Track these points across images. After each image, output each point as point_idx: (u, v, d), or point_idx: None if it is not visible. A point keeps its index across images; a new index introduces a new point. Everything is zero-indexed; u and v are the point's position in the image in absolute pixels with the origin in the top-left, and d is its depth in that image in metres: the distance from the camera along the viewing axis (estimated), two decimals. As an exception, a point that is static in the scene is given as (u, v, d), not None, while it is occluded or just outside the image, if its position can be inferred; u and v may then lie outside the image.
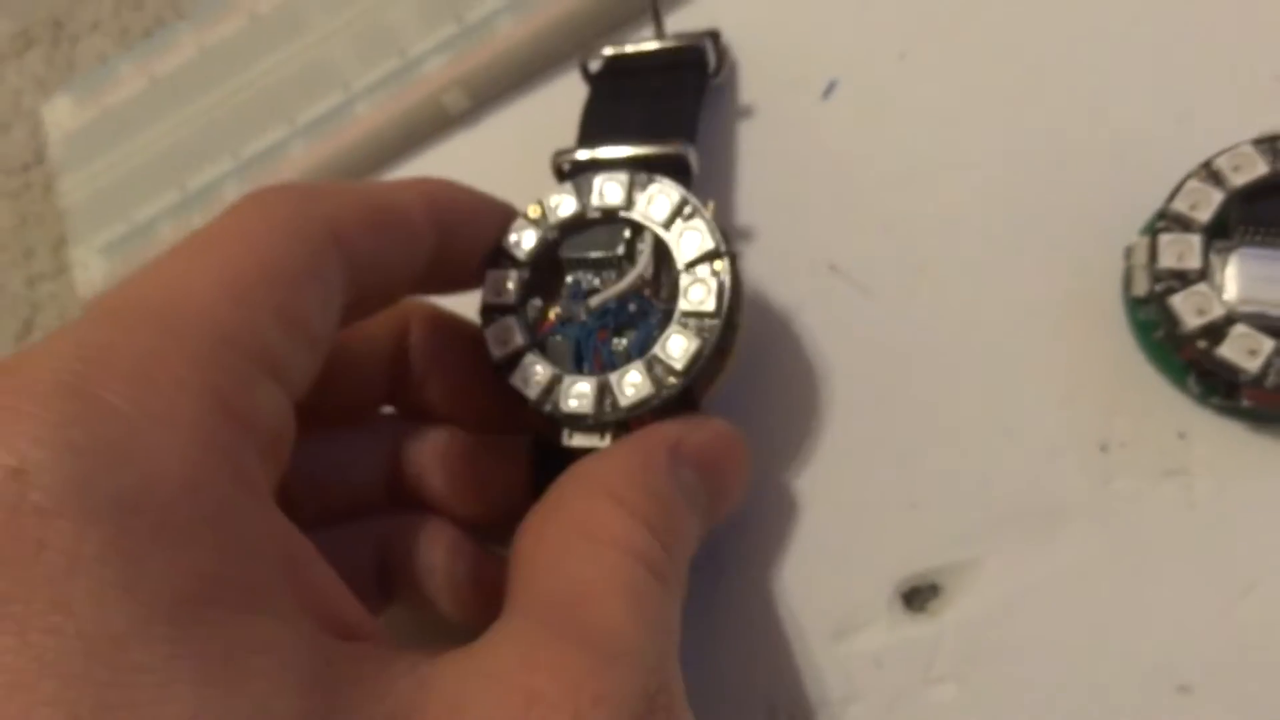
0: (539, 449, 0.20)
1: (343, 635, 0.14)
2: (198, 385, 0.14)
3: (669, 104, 0.23)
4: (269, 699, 0.12)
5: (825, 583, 0.20)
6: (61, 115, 0.30)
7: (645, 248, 0.20)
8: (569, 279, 0.20)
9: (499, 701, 0.13)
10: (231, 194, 0.28)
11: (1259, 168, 0.19)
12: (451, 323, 0.21)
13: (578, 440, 0.19)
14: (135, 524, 0.12)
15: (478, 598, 0.20)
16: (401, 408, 0.22)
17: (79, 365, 0.13)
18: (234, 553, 0.13)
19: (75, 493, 0.12)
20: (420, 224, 0.18)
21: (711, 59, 0.24)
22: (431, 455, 0.21)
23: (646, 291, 0.20)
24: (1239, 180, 0.19)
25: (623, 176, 0.20)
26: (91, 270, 0.29)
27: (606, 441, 0.19)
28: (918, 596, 0.19)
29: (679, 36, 0.24)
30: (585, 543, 0.16)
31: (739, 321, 0.19)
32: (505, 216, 0.20)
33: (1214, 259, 0.19)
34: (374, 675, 0.13)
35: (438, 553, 0.20)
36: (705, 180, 0.23)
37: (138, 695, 0.11)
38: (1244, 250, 0.19)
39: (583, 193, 0.20)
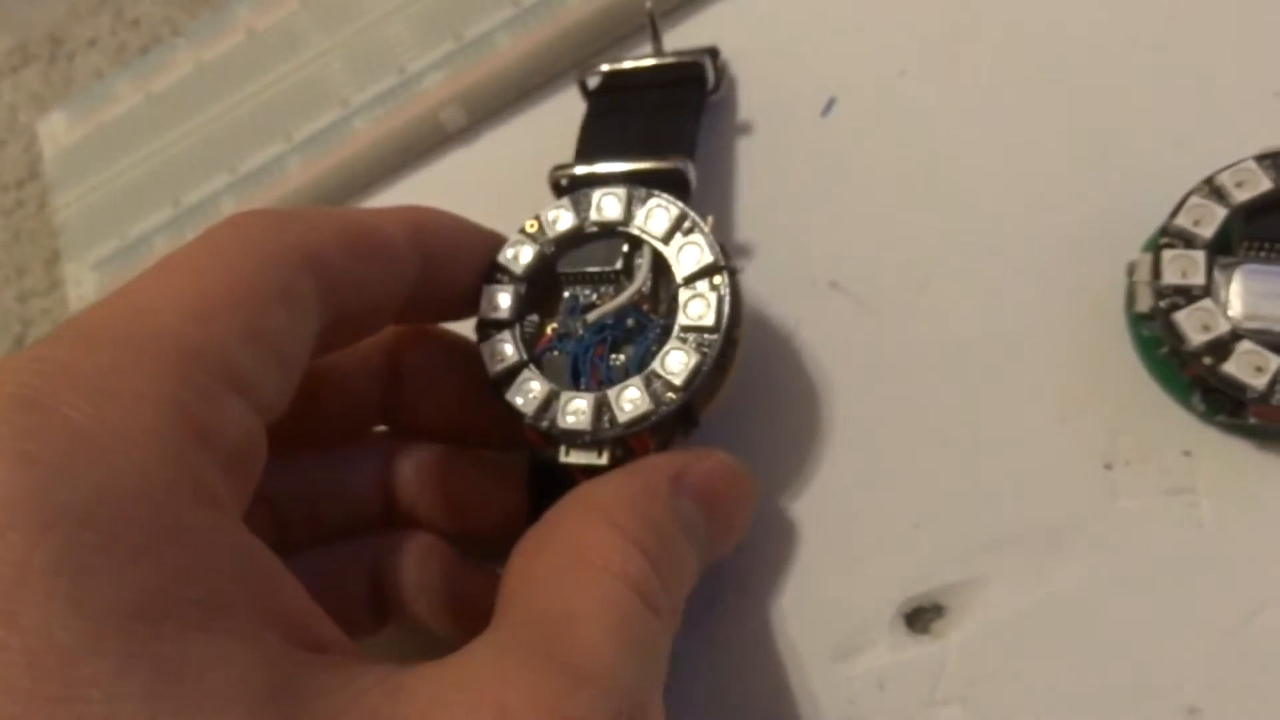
0: (535, 466, 0.20)
1: (311, 649, 0.14)
2: (157, 398, 0.14)
3: (667, 120, 0.23)
4: (221, 715, 0.12)
5: (827, 603, 0.20)
6: (57, 131, 0.30)
7: (643, 262, 0.19)
8: (566, 294, 0.20)
9: (470, 711, 0.13)
10: (228, 209, 0.27)
11: (1262, 184, 0.19)
12: (445, 339, 0.21)
13: (574, 457, 0.19)
14: (87, 535, 0.12)
15: (470, 616, 0.19)
16: (395, 426, 0.21)
17: (36, 380, 0.13)
18: (190, 566, 0.13)
19: (27, 504, 0.12)
20: (402, 249, 0.18)
21: (710, 76, 0.24)
22: (424, 474, 0.20)
23: (645, 306, 0.19)
24: (1242, 196, 0.19)
25: (621, 191, 0.20)
26: (84, 286, 0.28)
27: (604, 458, 0.18)
28: (921, 617, 0.19)
29: (677, 54, 0.24)
30: (577, 565, 0.16)
31: (738, 337, 0.19)
32: (492, 244, 0.20)
33: (1218, 275, 0.19)
34: (342, 686, 0.13)
35: (429, 571, 0.20)
36: (704, 197, 0.23)
37: (85, 710, 0.11)
38: (1247, 266, 0.19)
39: (581, 207, 0.20)
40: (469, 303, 0.20)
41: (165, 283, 0.15)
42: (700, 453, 0.19)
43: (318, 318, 0.17)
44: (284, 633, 0.13)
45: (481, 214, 0.21)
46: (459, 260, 0.20)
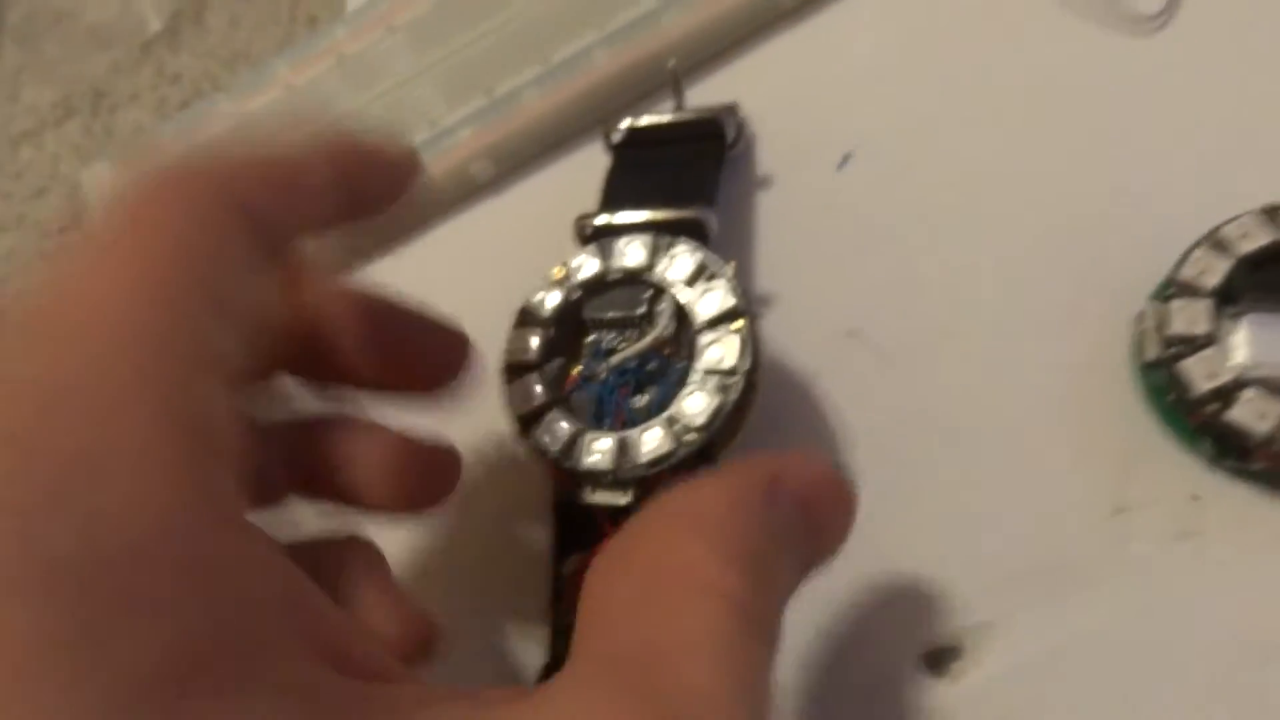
0: (560, 506, 0.20)
1: (365, 678, 0.13)
2: (149, 410, 0.12)
3: (688, 171, 0.24)
4: None
5: (847, 646, 0.20)
6: (103, 182, 0.32)
7: (665, 308, 0.20)
8: (591, 338, 0.21)
9: None
10: (262, 256, 0.28)
11: (1265, 236, 0.19)
12: (352, 292, 0.19)
13: (599, 497, 0.19)
14: (98, 596, 0.10)
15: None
16: (310, 378, 0.19)
17: (6, 407, 0.11)
18: (224, 609, 0.11)
19: (21, 567, 0.10)
20: (322, 174, 0.16)
21: (730, 130, 0.25)
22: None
23: (667, 350, 0.20)
24: (1245, 248, 0.19)
25: (645, 239, 0.20)
26: (122, 329, 0.29)
27: (628, 498, 0.19)
28: (940, 659, 0.19)
29: (698, 109, 0.25)
30: (670, 587, 0.14)
31: (757, 380, 0.20)
32: (408, 156, 0.18)
33: (1223, 324, 0.19)
34: None
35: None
36: (723, 249, 0.24)
37: None
38: (1252, 316, 0.19)
39: (606, 254, 0.21)
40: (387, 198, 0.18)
41: (109, 262, 0.13)
42: (796, 455, 0.16)
43: (263, 266, 0.15)
44: (336, 665, 0.12)
45: (510, 261, 0.22)
46: (378, 172, 0.18)
